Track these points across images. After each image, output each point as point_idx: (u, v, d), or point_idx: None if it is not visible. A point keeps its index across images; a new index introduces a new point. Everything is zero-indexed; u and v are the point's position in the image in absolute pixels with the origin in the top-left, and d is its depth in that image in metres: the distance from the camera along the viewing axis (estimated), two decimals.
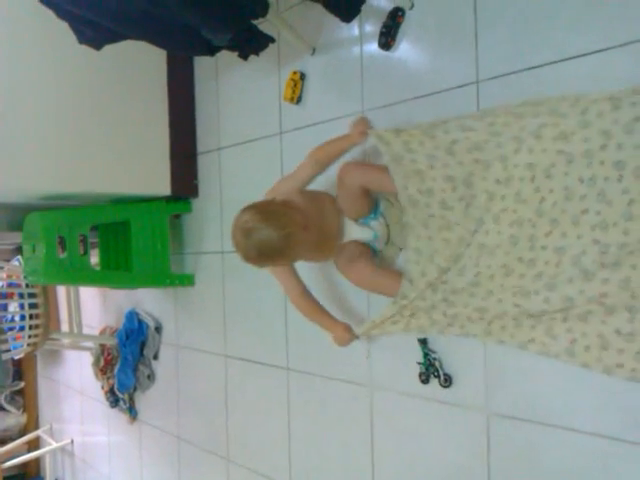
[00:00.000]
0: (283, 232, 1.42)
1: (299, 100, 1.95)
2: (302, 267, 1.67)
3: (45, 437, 4.11)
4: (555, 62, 1.32)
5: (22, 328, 2.81)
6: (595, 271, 1.19)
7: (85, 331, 3.21)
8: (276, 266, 1.63)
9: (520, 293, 1.31)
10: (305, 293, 1.65)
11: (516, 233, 1.32)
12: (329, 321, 1.65)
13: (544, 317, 1.29)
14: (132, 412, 3.01)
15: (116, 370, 3.00)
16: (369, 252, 1.62)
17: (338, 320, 1.65)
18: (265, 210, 1.48)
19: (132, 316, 2.88)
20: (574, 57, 1.29)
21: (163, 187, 2.41)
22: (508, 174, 1.33)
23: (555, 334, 1.28)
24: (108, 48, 1.67)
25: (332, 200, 1.65)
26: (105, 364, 3.15)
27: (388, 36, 1.63)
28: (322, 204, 1.61)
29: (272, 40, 1.77)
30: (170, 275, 2.50)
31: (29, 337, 2.84)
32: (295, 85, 1.93)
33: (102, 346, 3.20)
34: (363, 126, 1.58)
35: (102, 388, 3.21)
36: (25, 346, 2.87)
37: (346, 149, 1.61)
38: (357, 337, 1.61)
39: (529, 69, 1.36)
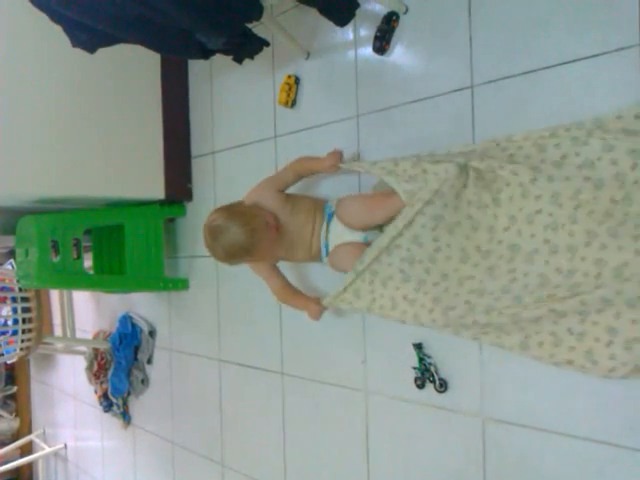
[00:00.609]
0: (247, 228, 1.53)
1: (294, 104, 1.95)
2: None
3: (38, 442, 4.09)
4: (549, 67, 1.32)
5: (15, 332, 2.79)
6: (550, 275, 1.24)
7: (78, 335, 3.19)
8: (246, 263, 1.71)
9: (476, 292, 1.34)
10: (286, 286, 1.72)
11: (476, 216, 1.34)
12: (303, 300, 1.70)
13: (494, 320, 1.30)
14: (126, 417, 2.99)
15: (109, 374, 2.99)
16: None
17: (310, 297, 1.69)
18: (230, 210, 1.61)
19: (126, 320, 2.87)
20: (568, 62, 1.29)
21: (157, 191, 2.40)
22: None
23: (508, 331, 1.32)
24: (102, 51, 1.66)
25: (313, 203, 1.69)
26: (98, 368, 3.13)
27: (383, 40, 1.63)
28: (300, 206, 1.67)
29: (267, 44, 1.77)
30: (164, 279, 2.49)
31: (22, 341, 2.82)
32: (290, 89, 1.93)
33: (95, 350, 3.18)
34: (335, 160, 1.61)
35: (95, 393, 3.20)
36: (18, 350, 2.85)
37: (318, 171, 1.68)
38: (325, 308, 1.65)
39: (523, 73, 1.36)
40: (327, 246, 1.65)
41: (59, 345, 3.33)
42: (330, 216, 1.65)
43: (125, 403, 3.00)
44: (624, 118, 1.19)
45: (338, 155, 1.62)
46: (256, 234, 1.54)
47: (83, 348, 3.27)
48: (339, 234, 1.62)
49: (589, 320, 1.21)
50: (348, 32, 1.77)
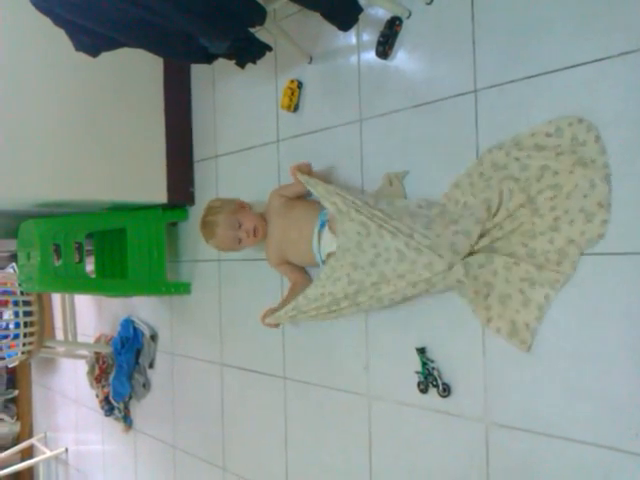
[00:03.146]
0: (209, 226, 1.92)
1: (296, 108, 1.95)
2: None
3: (39, 446, 4.08)
4: (553, 71, 1.32)
5: (16, 336, 2.79)
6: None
7: (80, 339, 3.20)
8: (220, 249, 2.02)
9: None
10: (291, 280, 1.90)
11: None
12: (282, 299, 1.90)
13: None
14: (127, 421, 2.99)
15: (111, 378, 2.98)
16: None
17: (284, 300, 1.86)
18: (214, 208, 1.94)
19: (127, 324, 2.86)
20: (571, 66, 1.29)
21: (159, 195, 2.40)
22: None
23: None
24: (105, 55, 1.66)
25: (305, 209, 1.79)
26: (100, 372, 3.13)
27: (386, 45, 1.63)
28: (293, 212, 1.80)
29: (269, 48, 1.77)
30: (166, 283, 2.49)
31: (23, 345, 2.82)
32: (292, 93, 1.93)
33: (97, 354, 3.18)
34: (293, 168, 1.75)
35: (97, 397, 3.19)
36: (19, 354, 2.85)
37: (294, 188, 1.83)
38: (267, 324, 1.84)
39: (527, 78, 1.36)
40: (320, 253, 1.69)
41: (61, 349, 3.33)
42: (323, 224, 1.68)
43: (127, 407, 2.99)
44: (536, 135, 1.33)
45: (299, 165, 1.75)
46: (215, 235, 1.90)
47: (85, 352, 3.27)
48: (328, 242, 1.66)
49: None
50: (351, 37, 1.77)
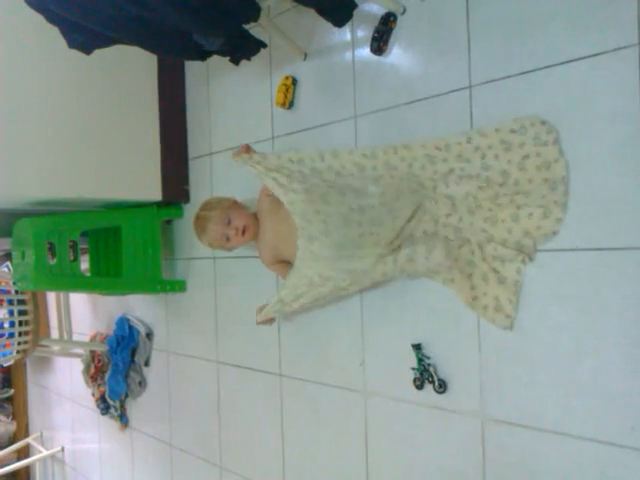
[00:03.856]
0: (200, 221, 1.89)
1: (291, 105, 1.94)
2: None
3: (35, 445, 4.07)
4: (548, 67, 1.32)
5: (11, 335, 2.78)
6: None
7: (75, 338, 3.19)
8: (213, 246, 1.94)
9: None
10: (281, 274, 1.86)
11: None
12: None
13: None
14: (123, 419, 2.99)
15: (107, 377, 2.98)
16: None
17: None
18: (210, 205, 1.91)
19: (123, 322, 2.86)
20: (567, 62, 1.29)
21: (154, 192, 2.39)
22: None
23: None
24: (99, 52, 1.65)
25: None
26: (95, 371, 3.12)
27: (380, 41, 1.63)
28: (283, 210, 1.69)
29: (264, 45, 1.76)
30: (161, 281, 2.48)
31: (19, 344, 2.81)
32: (287, 90, 1.92)
33: (92, 353, 3.17)
34: (236, 152, 1.79)
35: (93, 395, 3.18)
36: (14, 353, 2.84)
37: None
38: (260, 322, 1.86)
39: (522, 74, 1.36)
40: None
41: (56, 348, 3.32)
42: None
43: (123, 405, 2.98)
44: (501, 131, 1.36)
45: (238, 150, 1.79)
46: (206, 230, 1.86)
47: (80, 351, 3.26)
48: None
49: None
50: (346, 33, 1.77)
